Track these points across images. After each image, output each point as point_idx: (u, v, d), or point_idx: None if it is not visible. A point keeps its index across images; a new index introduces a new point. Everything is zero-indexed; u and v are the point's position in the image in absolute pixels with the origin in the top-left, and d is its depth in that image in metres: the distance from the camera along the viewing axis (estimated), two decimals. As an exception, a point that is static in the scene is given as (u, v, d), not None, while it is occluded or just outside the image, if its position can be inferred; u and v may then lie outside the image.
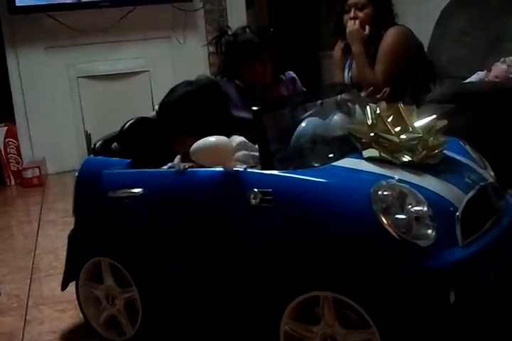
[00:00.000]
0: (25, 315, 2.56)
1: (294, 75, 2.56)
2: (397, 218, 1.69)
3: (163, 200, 2.03)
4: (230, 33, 2.48)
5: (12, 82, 4.89)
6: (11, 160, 4.89)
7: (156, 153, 2.21)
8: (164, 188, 2.03)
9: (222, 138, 1.89)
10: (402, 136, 1.88)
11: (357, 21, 2.93)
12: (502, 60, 2.98)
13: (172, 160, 2.18)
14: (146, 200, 2.04)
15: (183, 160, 2.14)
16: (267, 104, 2.04)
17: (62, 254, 2.41)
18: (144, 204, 2.05)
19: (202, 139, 1.87)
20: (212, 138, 1.88)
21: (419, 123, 1.93)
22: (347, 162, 1.87)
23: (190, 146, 1.88)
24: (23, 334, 2.39)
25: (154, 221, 2.06)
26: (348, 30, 2.94)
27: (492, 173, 2.10)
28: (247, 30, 2.45)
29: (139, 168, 2.14)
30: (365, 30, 2.93)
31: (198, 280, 2.02)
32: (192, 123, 2.11)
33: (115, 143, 2.31)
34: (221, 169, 1.89)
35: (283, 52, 2.49)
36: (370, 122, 1.94)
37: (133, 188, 2.06)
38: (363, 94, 2.73)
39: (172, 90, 2.20)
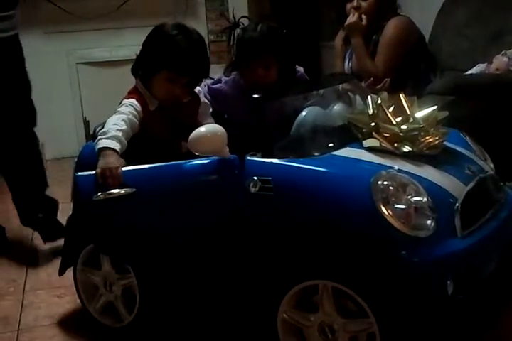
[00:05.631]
0: (22, 299, 2.56)
1: (303, 72, 2.44)
2: (396, 208, 1.69)
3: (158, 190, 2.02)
4: (246, 24, 2.34)
5: (11, 68, 4.86)
6: (9, 146, 4.88)
7: (156, 139, 2.20)
8: (159, 180, 2.01)
9: (218, 126, 1.88)
10: (403, 126, 1.88)
11: (356, 14, 2.93)
12: (503, 52, 2.97)
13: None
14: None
15: None
16: (267, 92, 2.04)
17: (60, 240, 2.41)
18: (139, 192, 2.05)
19: (198, 128, 1.86)
20: (210, 126, 1.88)
21: (420, 114, 1.93)
22: (347, 151, 1.87)
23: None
24: (19, 319, 2.40)
25: (147, 210, 2.05)
26: (346, 23, 2.94)
27: (492, 165, 2.11)
28: (259, 26, 2.29)
29: (138, 155, 2.13)
30: (362, 20, 2.93)
31: (197, 268, 2.02)
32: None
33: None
34: (219, 157, 1.88)
35: (292, 56, 2.33)
36: (370, 112, 1.94)
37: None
38: (363, 84, 2.72)
39: None
